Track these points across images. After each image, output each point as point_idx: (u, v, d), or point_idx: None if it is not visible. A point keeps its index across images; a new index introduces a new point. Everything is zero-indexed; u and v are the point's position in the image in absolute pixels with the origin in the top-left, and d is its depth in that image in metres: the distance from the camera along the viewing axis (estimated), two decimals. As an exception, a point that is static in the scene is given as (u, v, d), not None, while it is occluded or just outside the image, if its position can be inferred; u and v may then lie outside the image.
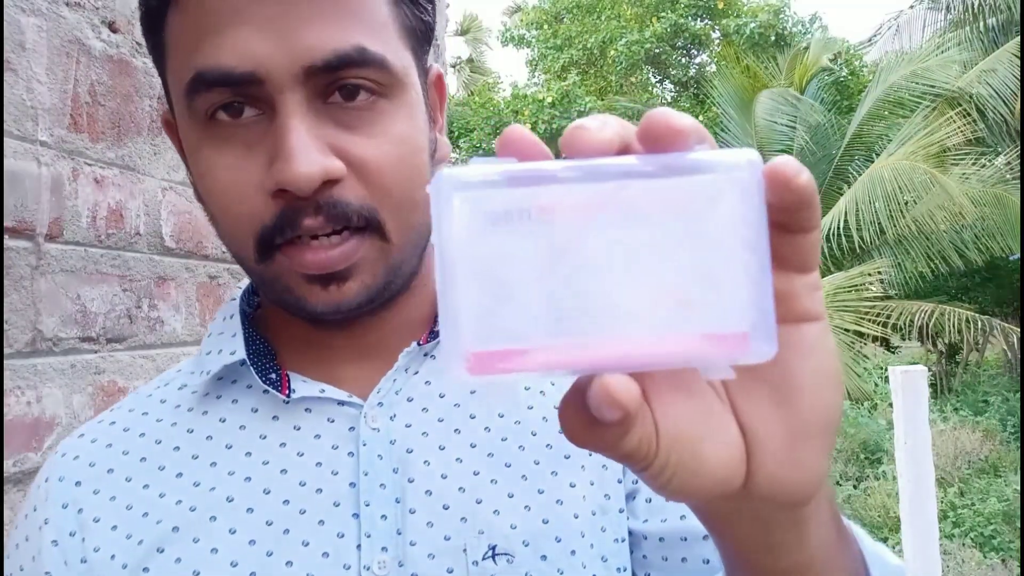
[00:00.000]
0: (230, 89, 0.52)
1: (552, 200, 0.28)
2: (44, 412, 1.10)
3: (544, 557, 0.57)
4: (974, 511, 6.15)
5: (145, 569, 0.56)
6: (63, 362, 1.15)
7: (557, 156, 0.30)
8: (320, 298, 0.55)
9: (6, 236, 1.04)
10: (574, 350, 0.28)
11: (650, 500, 0.61)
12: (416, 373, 0.62)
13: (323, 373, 0.61)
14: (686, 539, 0.59)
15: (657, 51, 15.82)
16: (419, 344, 0.62)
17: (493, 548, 0.57)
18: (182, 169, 1.47)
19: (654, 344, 0.28)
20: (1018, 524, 5.74)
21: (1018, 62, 8.76)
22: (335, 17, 0.52)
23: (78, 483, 0.60)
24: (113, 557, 0.57)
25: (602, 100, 14.33)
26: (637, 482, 0.61)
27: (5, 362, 1.03)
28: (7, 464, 1.03)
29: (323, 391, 0.60)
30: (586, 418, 0.30)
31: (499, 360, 0.28)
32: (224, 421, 0.61)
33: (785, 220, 0.30)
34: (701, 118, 13.80)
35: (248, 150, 0.53)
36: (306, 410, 0.60)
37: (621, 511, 0.61)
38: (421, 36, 0.59)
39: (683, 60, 16.67)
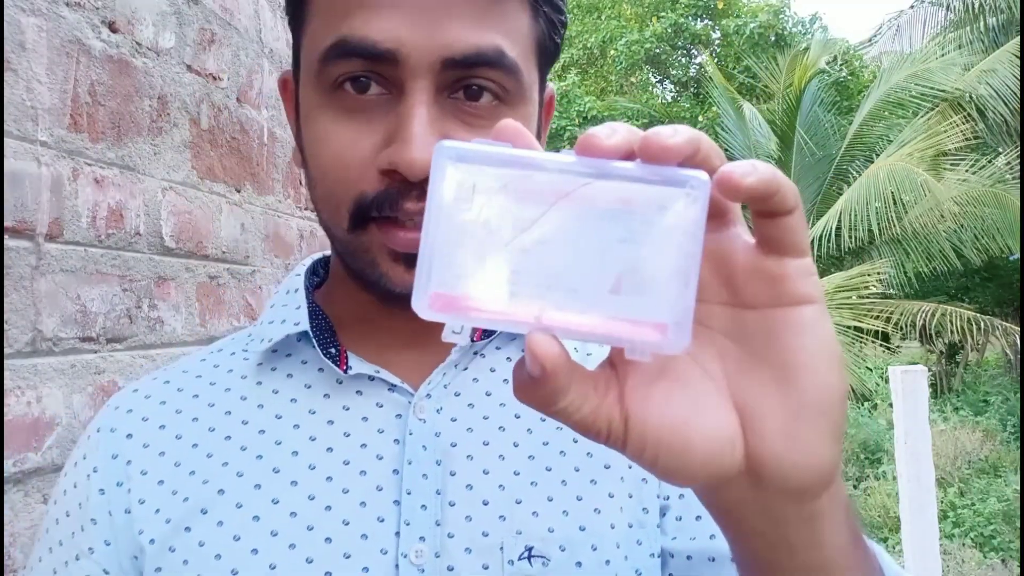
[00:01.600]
0: (366, 61, 0.53)
1: (527, 184, 0.32)
2: (44, 412, 1.10)
3: (579, 564, 0.57)
4: (974, 511, 6.15)
5: (187, 528, 0.57)
6: (63, 362, 1.15)
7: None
8: (402, 278, 0.56)
9: (6, 236, 1.04)
10: (519, 309, 0.32)
11: (680, 518, 0.61)
12: (465, 369, 0.63)
13: (376, 355, 0.63)
14: (714, 559, 0.59)
15: (657, 51, 15.81)
16: (472, 341, 0.63)
17: (530, 549, 0.57)
18: (182, 169, 1.47)
19: (585, 318, 0.32)
20: (1018, 524, 5.74)
21: (1018, 62, 8.75)
22: (481, 17, 0.53)
23: (129, 435, 0.61)
24: (157, 511, 0.58)
25: (602, 100, 14.32)
26: (668, 499, 0.62)
27: (5, 362, 1.03)
28: (7, 464, 1.03)
29: (377, 372, 0.61)
30: (525, 374, 0.33)
31: (456, 303, 0.32)
32: (277, 393, 0.62)
33: (759, 208, 0.33)
34: (701, 118, 13.78)
35: (367, 124, 0.54)
36: (357, 392, 0.61)
37: (657, 526, 0.61)
38: (550, 56, 0.60)
39: (683, 60, 16.66)
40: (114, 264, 1.26)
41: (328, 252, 0.72)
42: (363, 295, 0.60)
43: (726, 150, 10.39)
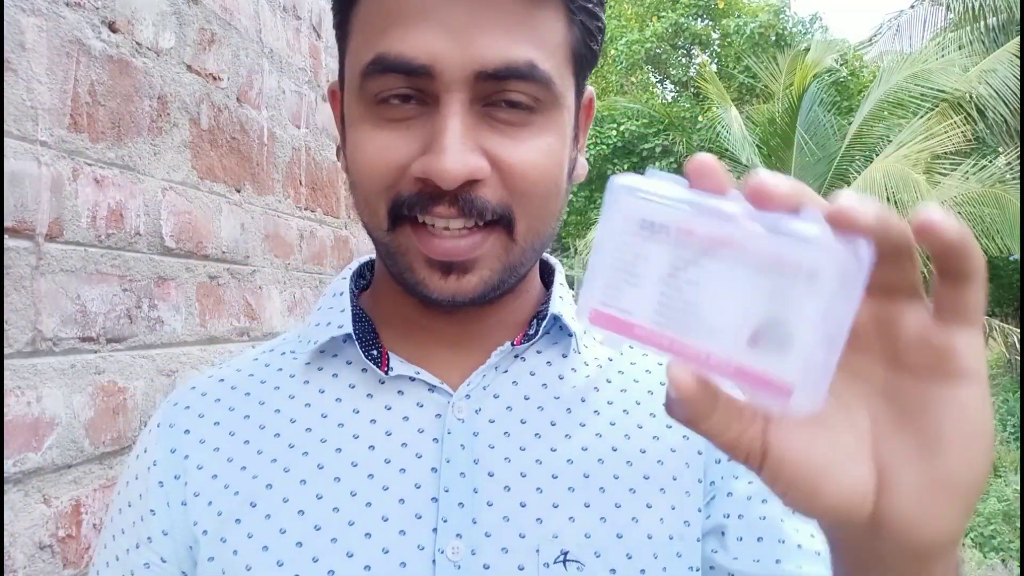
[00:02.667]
0: (403, 77, 0.55)
1: (690, 227, 0.34)
2: (44, 412, 1.10)
3: (613, 571, 0.58)
4: (974, 511, 6.14)
5: (237, 520, 0.60)
6: (63, 362, 1.15)
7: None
8: (438, 285, 0.58)
9: (6, 236, 1.04)
10: (664, 338, 0.35)
11: (741, 539, 0.62)
12: (505, 372, 0.65)
13: (417, 356, 0.65)
14: None
15: (657, 51, 15.81)
16: (512, 345, 0.64)
17: (565, 553, 0.58)
18: (182, 169, 1.47)
19: (718, 360, 0.34)
20: (1018, 524, 5.74)
21: (1018, 62, 8.76)
22: (514, 30, 0.55)
23: (187, 431, 0.65)
24: (210, 503, 0.61)
25: (602, 100, 14.32)
26: (728, 517, 0.62)
27: (5, 362, 1.03)
28: (7, 464, 1.03)
29: (417, 373, 0.63)
30: (670, 394, 0.35)
31: (611, 321, 0.36)
32: (323, 392, 0.65)
33: (944, 268, 0.33)
34: (701, 118, 13.76)
35: (406, 132, 0.57)
36: (399, 392, 0.63)
37: (698, 540, 0.62)
38: (586, 62, 0.62)
39: (683, 60, 16.66)
40: (114, 264, 1.26)
41: (374, 255, 0.74)
42: (405, 297, 0.62)
43: (727, 150, 10.41)
